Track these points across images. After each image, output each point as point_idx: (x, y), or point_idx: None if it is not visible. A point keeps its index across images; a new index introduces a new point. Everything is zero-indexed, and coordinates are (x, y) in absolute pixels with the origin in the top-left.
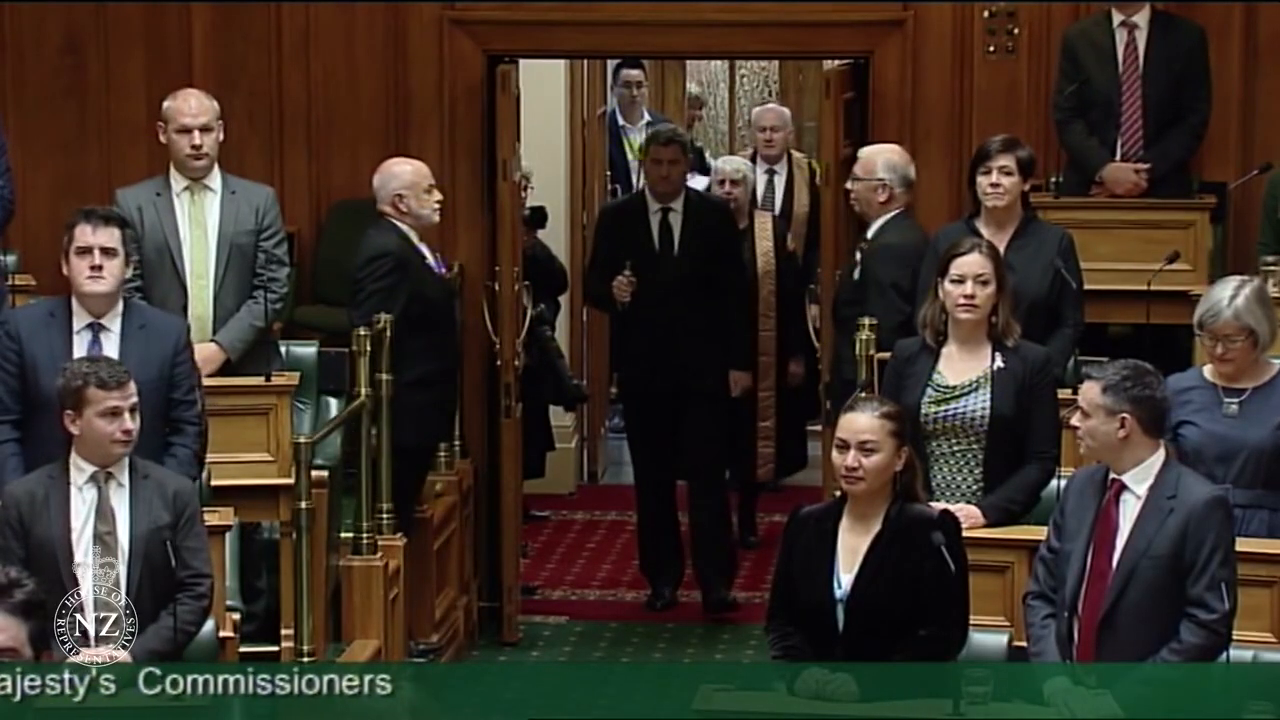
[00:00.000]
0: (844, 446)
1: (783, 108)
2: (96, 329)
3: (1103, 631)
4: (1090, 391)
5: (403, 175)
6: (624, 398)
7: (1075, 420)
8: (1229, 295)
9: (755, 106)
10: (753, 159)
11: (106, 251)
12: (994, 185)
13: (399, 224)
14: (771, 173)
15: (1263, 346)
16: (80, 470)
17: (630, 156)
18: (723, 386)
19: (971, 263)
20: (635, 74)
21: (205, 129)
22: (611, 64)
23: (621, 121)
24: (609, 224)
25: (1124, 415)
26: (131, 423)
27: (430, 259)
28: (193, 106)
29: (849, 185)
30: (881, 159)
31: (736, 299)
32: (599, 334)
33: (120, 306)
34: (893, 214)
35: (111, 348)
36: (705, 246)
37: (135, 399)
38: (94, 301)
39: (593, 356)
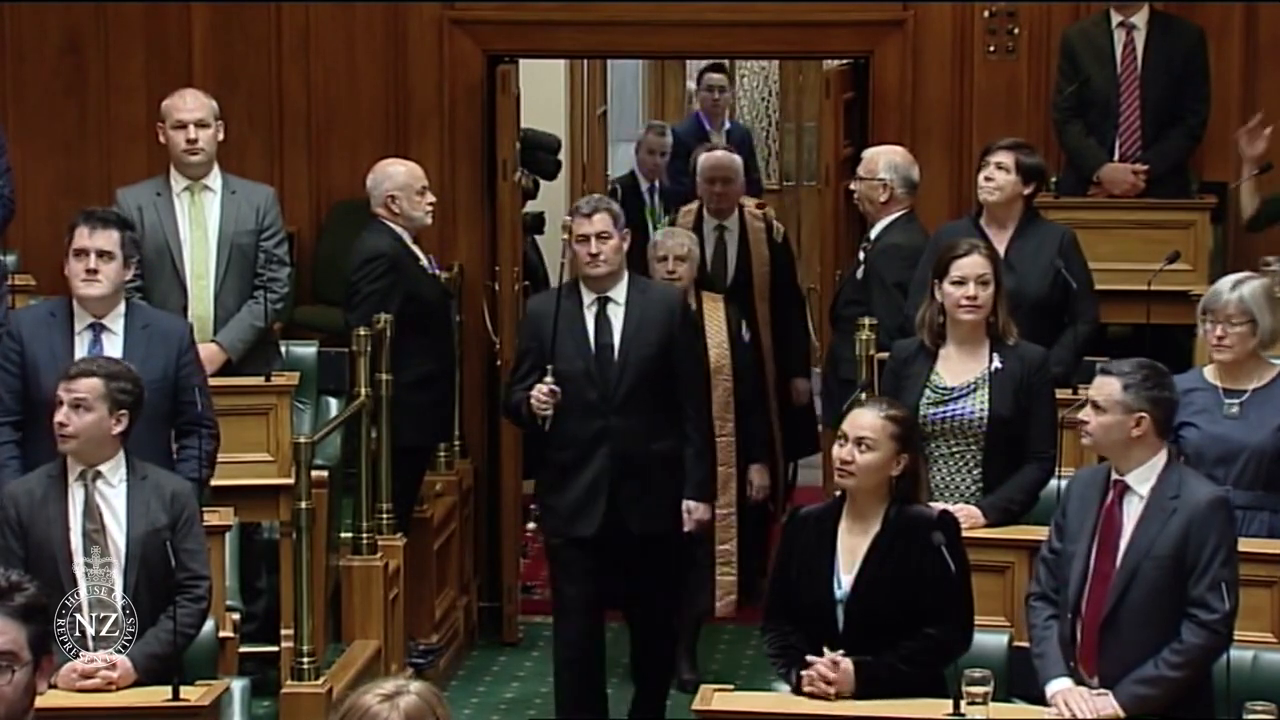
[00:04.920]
0: (843, 440)
1: (734, 155)
2: (98, 329)
3: (1105, 632)
4: (1109, 387)
5: (396, 176)
6: (548, 541)
7: (1085, 414)
8: (1234, 281)
9: (703, 152)
10: (699, 214)
11: (103, 255)
12: (988, 179)
13: (392, 225)
14: (721, 229)
15: (1262, 342)
16: (74, 469)
17: None
18: (675, 523)
19: (972, 264)
20: (719, 78)
21: (201, 124)
22: (694, 66)
23: (707, 126)
24: (534, 320)
25: (1142, 414)
26: (67, 418)
27: (424, 260)
28: (188, 102)
29: (853, 186)
30: (883, 159)
31: (693, 416)
32: None
33: (122, 307)
34: (897, 215)
35: (114, 348)
36: (654, 348)
37: (82, 396)
38: (91, 304)
39: None
